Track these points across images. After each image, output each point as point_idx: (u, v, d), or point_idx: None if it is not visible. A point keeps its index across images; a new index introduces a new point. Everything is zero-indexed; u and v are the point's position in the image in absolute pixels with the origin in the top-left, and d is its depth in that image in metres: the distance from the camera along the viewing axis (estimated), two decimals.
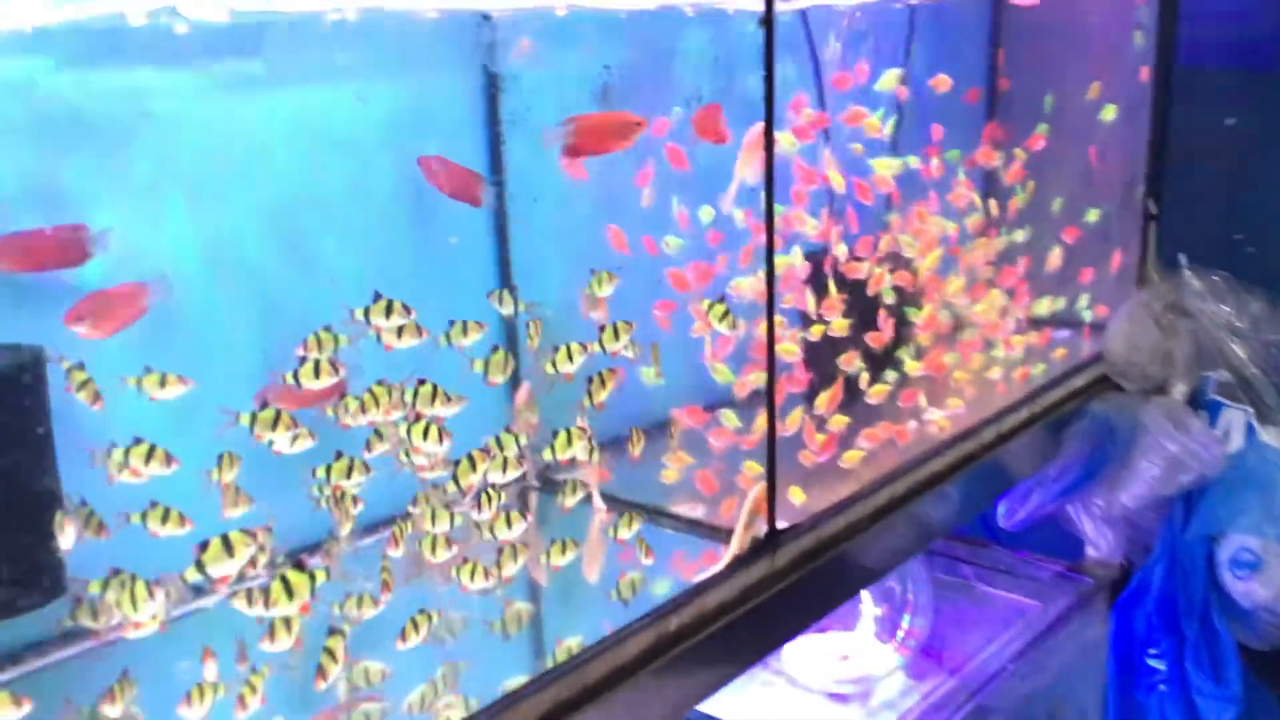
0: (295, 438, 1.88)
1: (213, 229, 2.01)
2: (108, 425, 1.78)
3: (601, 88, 2.24)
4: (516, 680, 1.85)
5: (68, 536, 1.66)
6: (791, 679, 2.98)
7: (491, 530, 2.03)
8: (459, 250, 2.41)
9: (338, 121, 2.15)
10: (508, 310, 2.20)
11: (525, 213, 2.43)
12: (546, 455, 2.10)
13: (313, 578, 1.74)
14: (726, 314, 2.13)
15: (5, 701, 1.46)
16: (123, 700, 1.63)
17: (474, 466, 1.99)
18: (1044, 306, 3.35)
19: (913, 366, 2.81)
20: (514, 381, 2.40)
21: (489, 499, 2.01)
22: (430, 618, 1.94)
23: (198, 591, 1.76)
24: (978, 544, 3.62)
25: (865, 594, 3.15)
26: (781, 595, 2.26)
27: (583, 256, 2.41)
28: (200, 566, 1.66)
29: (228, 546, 1.67)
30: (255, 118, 2.05)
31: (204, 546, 1.66)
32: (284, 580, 1.66)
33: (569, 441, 2.10)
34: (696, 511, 2.45)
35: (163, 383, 1.81)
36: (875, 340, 2.69)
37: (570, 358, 2.10)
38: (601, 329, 2.13)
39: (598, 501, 2.38)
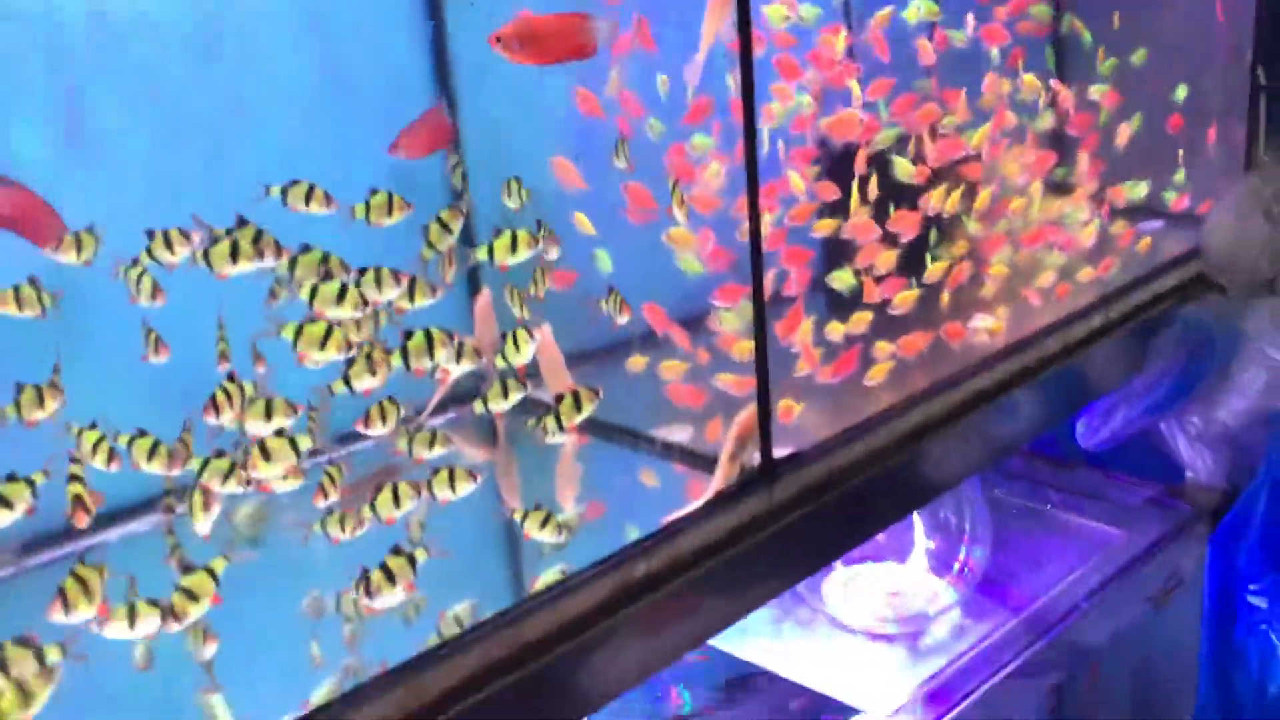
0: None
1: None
2: None
3: None
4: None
5: None
6: (831, 617, 2.69)
7: None
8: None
9: None
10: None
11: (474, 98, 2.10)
12: (499, 362, 1.82)
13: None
14: (684, 200, 1.78)
15: None
16: None
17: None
18: (1124, 193, 2.89)
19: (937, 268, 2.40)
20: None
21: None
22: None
23: None
24: (1061, 464, 3.36)
25: (918, 522, 2.82)
26: (779, 536, 1.96)
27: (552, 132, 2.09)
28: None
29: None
30: None
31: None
32: None
33: (517, 347, 1.82)
34: (684, 434, 2.14)
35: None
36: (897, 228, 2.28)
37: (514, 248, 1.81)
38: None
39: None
